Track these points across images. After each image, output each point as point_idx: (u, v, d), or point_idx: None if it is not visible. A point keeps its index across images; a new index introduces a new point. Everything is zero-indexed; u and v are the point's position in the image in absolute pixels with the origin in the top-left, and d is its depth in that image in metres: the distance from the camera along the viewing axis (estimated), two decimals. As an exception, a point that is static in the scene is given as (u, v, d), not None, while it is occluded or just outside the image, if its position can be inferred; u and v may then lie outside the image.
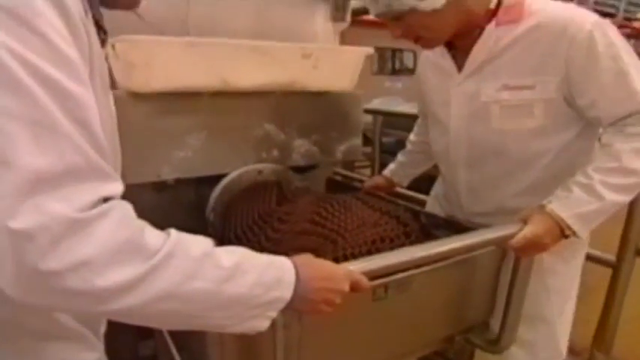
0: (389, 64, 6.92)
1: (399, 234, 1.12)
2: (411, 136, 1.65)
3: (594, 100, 1.05)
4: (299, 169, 1.56)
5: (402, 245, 1.07)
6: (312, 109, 1.51)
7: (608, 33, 1.03)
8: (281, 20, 1.75)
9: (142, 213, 0.60)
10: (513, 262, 1.13)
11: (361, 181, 2.10)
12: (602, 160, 1.05)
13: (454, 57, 1.19)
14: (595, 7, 6.79)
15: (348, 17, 1.88)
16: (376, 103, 3.49)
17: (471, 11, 1.07)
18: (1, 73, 0.48)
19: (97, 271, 0.51)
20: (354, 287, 0.79)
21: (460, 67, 1.18)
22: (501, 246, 1.10)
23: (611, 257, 1.86)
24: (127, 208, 0.57)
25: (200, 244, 0.62)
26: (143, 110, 1.21)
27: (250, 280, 0.64)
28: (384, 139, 2.99)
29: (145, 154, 1.25)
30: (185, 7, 1.50)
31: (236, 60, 1.21)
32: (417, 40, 1.12)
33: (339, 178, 3.10)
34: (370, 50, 1.42)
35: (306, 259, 0.77)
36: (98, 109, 0.58)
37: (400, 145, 1.74)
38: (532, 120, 1.11)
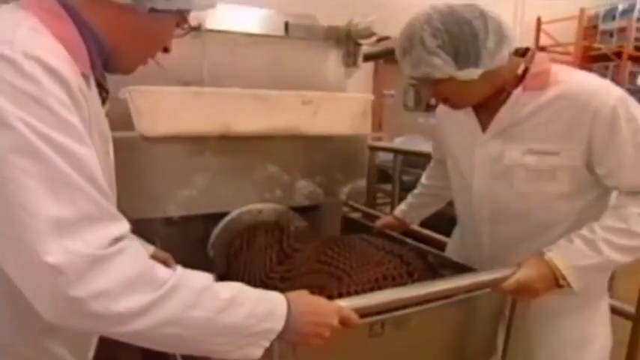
0: (424, 100, 6.95)
1: (402, 273, 1.16)
2: (423, 179, 1.68)
3: (611, 170, 1.08)
4: (304, 209, 1.61)
5: (405, 284, 1.12)
6: (316, 151, 1.57)
7: (631, 109, 1.06)
8: (294, 66, 1.85)
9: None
10: (510, 305, 1.15)
11: (378, 217, 2.14)
12: (610, 219, 1.08)
13: (478, 115, 1.22)
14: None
15: (360, 62, 1.96)
16: (398, 142, 3.52)
17: (502, 78, 1.12)
18: (20, 141, 0.59)
19: (114, 298, 0.62)
20: (344, 322, 0.85)
21: (484, 126, 1.20)
22: (495, 289, 1.10)
23: (630, 309, 1.78)
24: (139, 246, 0.69)
25: (202, 278, 0.73)
26: (152, 151, 1.31)
27: (244, 311, 0.73)
28: (404, 177, 3.00)
29: (152, 192, 1.34)
30: (201, 55, 1.62)
31: (238, 107, 1.29)
32: (445, 101, 1.17)
33: (358, 214, 3.15)
34: (370, 97, 1.47)
35: (299, 294, 0.85)
36: (99, 156, 0.69)
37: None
38: (555, 184, 1.13)
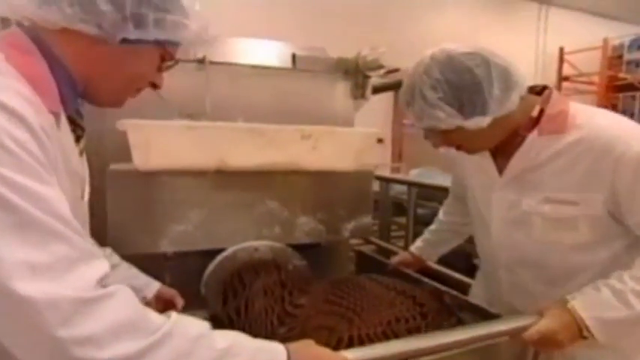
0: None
1: (415, 314, 1.12)
2: (440, 215, 1.61)
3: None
4: (310, 246, 1.54)
5: (418, 326, 1.08)
6: (317, 187, 1.51)
7: None
8: (301, 99, 1.81)
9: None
10: (532, 356, 1.09)
11: (395, 253, 2.06)
12: None
13: (495, 158, 1.16)
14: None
15: (368, 94, 1.92)
16: (414, 174, 3.44)
17: (515, 121, 1.07)
18: None
19: (100, 345, 0.57)
20: None
21: (501, 170, 1.15)
22: (515, 338, 1.03)
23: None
24: (130, 291, 0.65)
25: (197, 326, 0.68)
26: (147, 185, 1.28)
27: None
28: (419, 211, 2.91)
29: (145, 226, 1.31)
30: (204, 88, 1.60)
31: (234, 142, 1.25)
32: (458, 148, 1.12)
33: (371, 246, 3.06)
34: (374, 131, 1.42)
35: (304, 345, 0.81)
36: (67, 196, 0.65)
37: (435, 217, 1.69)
38: (576, 234, 1.06)
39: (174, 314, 0.67)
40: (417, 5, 6.72)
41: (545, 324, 0.99)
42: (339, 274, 1.62)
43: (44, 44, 0.71)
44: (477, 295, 1.42)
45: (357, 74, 1.86)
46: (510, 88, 1.01)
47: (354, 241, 4.08)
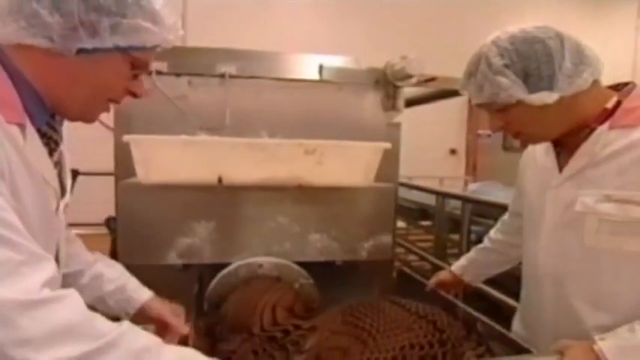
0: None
1: (433, 341, 1.05)
2: (492, 233, 1.49)
3: None
4: (343, 266, 1.48)
5: (435, 354, 1.02)
6: (332, 203, 1.44)
7: None
8: (328, 110, 1.76)
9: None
10: None
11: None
12: None
13: (558, 155, 1.07)
14: None
15: (400, 106, 1.81)
16: (473, 188, 3.20)
17: (584, 110, 0.98)
18: None
19: (37, 348, 0.58)
20: None
21: (562, 166, 1.05)
22: None
23: None
24: (79, 297, 0.65)
25: (146, 339, 0.67)
26: (150, 197, 1.31)
27: None
28: (473, 228, 2.70)
29: (151, 239, 1.33)
30: (224, 103, 1.62)
31: (233, 157, 1.24)
32: (517, 135, 1.04)
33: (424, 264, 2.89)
34: (384, 145, 1.33)
35: None
36: (28, 205, 0.69)
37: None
38: (636, 242, 0.92)
39: (126, 323, 0.67)
40: (496, 8, 6.36)
41: None
42: (377, 294, 1.54)
43: (7, 59, 0.72)
44: (519, 318, 1.28)
45: (387, 85, 1.77)
46: (583, 63, 0.93)
47: (408, 258, 3.91)
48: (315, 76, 1.75)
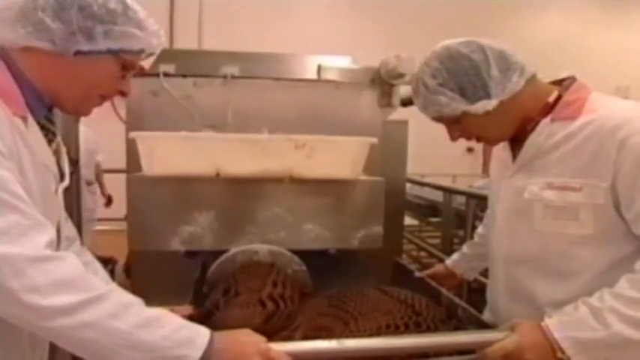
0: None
1: (409, 323, 1.13)
2: (479, 228, 1.57)
3: (639, 213, 0.93)
4: (337, 255, 1.57)
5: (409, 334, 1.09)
6: (325, 194, 1.54)
7: None
8: (326, 109, 1.86)
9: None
10: None
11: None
12: (624, 286, 0.92)
13: (512, 148, 1.16)
14: None
15: (396, 102, 1.89)
16: (479, 185, 3.24)
17: (527, 107, 1.06)
18: None
19: (44, 294, 0.71)
20: None
21: (516, 158, 1.14)
22: (479, 353, 0.98)
23: None
24: (76, 258, 0.78)
25: (131, 297, 0.80)
26: (155, 189, 1.43)
27: (162, 332, 0.78)
28: (479, 223, 2.74)
29: (156, 226, 1.45)
30: (229, 101, 1.73)
31: (229, 151, 1.34)
32: (477, 139, 1.14)
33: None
34: (370, 140, 1.41)
35: (231, 332, 0.88)
36: (32, 185, 0.83)
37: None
38: (577, 225, 1.01)
39: (114, 284, 0.81)
40: (517, 7, 6.32)
41: (512, 340, 0.94)
42: (372, 284, 1.63)
43: (10, 60, 0.85)
44: (488, 305, 1.34)
45: (382, 83, 1.85)
46: (509, 68, 1.01)
47: (420, 254, 3.94)
48: (314, 76, 1.84)
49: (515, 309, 1.12)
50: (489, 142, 1.16)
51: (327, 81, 1.83)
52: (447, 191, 3.02)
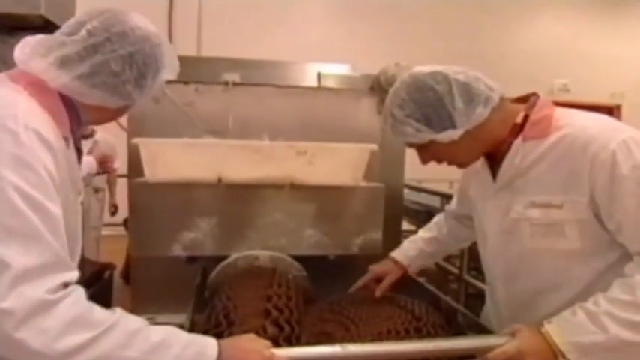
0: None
1: (410, 328, 1.14)
2: (437, 224, 1.51)
3: (620, 224, 0.96)
4: (338, 261, 1.59)
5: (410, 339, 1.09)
6: (325, 201, 1.55)
7: (635, 154, 0.93)
8: (325, 115, 1.88)
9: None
10: None
11: (450, 272, 1.95)
12: (616, 290, 0.95)
13: (491, 167, 1.17)
14: None
15: (395, 110, 1.92)
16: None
17: (495, 132, 1.08)
18: (5, 202, 0.72)
19: (54, 338, 0.71)
20: None
21: (495, 177, 1.16)
22: (481, 358, 0.99)
23: None
24: (81, 291, 0.78)
25: (136, 321, 0.80)
26: (157, 195, 1.44)
27: (173, 352, 0.79)
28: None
29: (158, 232, 1.46)
30: (230, 108, 1.75)
31: (230, 158, 1.36)
32: (448, 163, 1.15)
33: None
34: (372, 147, 1.43)
35: (236, 339, 0.89)
36: (67, 209, 0.83)
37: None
38: (564, 241, 1.03)
39: (118, 310, 0.80)
40: (512, 15, 6.37)
41: (513, 345, 0.95)
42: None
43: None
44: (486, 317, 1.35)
45: (381, 90, 1.88)
46: (473, 100, 1.02)
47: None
48: (314, 83, 1.87)
49: (518, 319, 1.11)
50: (460, 166, 1.17)
51: (327, 88, 1.86)
52: (444, 197, 3.04)
